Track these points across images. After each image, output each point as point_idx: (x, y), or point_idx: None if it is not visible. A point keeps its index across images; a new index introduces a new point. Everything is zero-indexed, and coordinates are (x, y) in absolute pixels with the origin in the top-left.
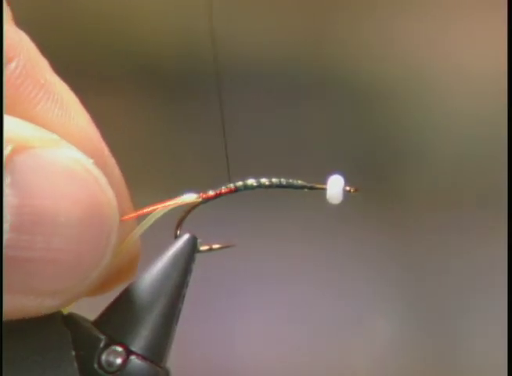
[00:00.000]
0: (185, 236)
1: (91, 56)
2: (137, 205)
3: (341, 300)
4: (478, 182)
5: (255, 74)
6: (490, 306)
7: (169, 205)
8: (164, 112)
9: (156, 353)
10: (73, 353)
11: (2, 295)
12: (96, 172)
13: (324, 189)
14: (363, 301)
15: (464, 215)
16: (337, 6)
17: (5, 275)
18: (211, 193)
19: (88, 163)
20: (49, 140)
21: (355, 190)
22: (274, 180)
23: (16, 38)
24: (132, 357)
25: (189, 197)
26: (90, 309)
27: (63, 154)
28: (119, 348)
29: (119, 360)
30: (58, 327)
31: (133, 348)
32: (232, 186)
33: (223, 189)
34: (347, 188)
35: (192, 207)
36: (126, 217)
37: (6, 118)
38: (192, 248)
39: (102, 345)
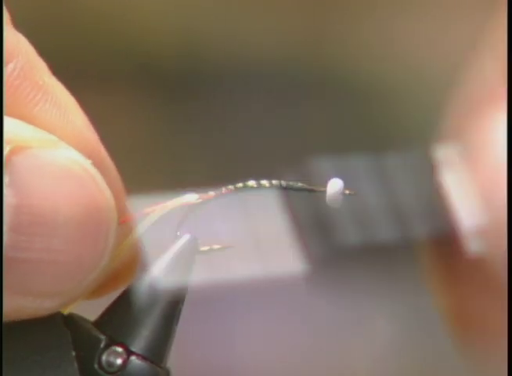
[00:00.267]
0: (186, 237)
1: (91, 56)
2: (137, 205)
3: (341, 300)
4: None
5: (255, 74)
6: None
7: (169, 206)
8: (164, 112)
9: (157, 354)
10: (74, 353)
11: (2, 296)
12: (94, 172)
13: (324, 192)
14: (363, 301)
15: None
16: (337, 6)
17: (4, 276)
18: (212, 193)
19: (86, 163)
20: (47, 141)
21: (355, 193)
22: (274, 182)
23: (14, 40)
24: (133, 357)
25: (189, 198)
26: (90, 309)
27: (61, 155)
28: (119, 349)
29: (119, 361)
30: (58, 327)
31: (133, 349)
32: (232, 187)
33: (223, 190)
34: (347, 191)
35: (192, 207)
36: (124, 219)
37: (5, 119)
38: (192, 249)
39: (102, 345)
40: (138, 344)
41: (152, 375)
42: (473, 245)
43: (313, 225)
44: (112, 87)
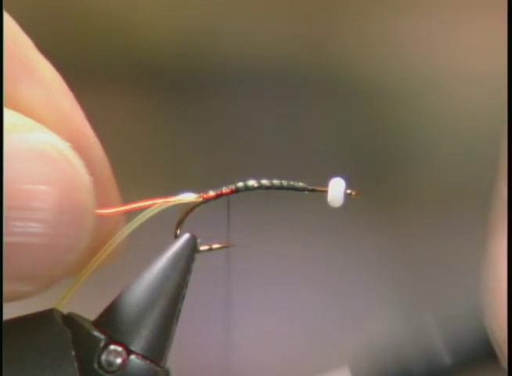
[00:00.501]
0: (185, 236)
1: (91, 56)
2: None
3: (341, 300)
4: (479, 182)
5: (256, 74)
6: None
7: (169, 202)
8: (164, 112)
9: (156, 353)
10: (74, 353)
11: (2, 296)
12: (72, 156)
13: (325, 192)
14: (363, 302)
15: (464, 215)
16: (338, 6)
17: None
18: (212, 193)
19: (64, 147)
20: (23, 124)
21: (357, 194)
22: (275, 182)
23: None
24: (132, 357)
25: (190, 197)
26: (90, 309)
27: (38, 138)
28: (119, 348)
29: (119, 360)
30: (58, 326)
31: (133, 348)
32: (232, 186)
33: (224, 190)
34: (349, 191)
35: (192, 207)
36: (122, 210)
37: None
38: (192, 248)
39: (102, 344)
40: (138, 343)
41: (151, 374)
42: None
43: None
44: (112, 87)
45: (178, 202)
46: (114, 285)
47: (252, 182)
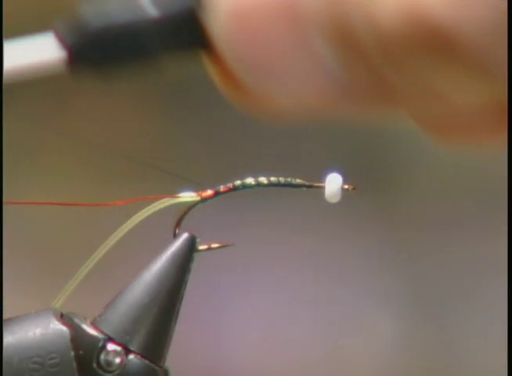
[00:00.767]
0: (184, 235)
1: None
2: (138, 204)
3: (341, 300)
4: (478, 181)
5: None
6: (490, 305)
7: (168, 201)
8: (164, 112)
9: (155, 352)
10: (72, 353)
11: (2, 294)
12: None
13: (323, 188)
14: (364, 301)
15: (464, 214)
16: None
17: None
18: (210, 191)
19: None
20: None
21: (354, 189)
22: (272, 179)
23: None
24: (131, 356)
25: (188, 196)
26: (89, 309)
27: None
28: (118, 348)
29: (118, 360)
30: (56, 326)
31: (132, 348)
32: (230, 184)
33: (222, 188)
34: (346, 186)
35: (190, 205)
36: (122, 201)
37: None
38: (190, 247)
39: (100, 344)
40: (137, 343)
41: (150, 374)
42: None
43: None
44: (112, 87)
45: (177, 201)
46: (113, 285)
47: (250, 180)
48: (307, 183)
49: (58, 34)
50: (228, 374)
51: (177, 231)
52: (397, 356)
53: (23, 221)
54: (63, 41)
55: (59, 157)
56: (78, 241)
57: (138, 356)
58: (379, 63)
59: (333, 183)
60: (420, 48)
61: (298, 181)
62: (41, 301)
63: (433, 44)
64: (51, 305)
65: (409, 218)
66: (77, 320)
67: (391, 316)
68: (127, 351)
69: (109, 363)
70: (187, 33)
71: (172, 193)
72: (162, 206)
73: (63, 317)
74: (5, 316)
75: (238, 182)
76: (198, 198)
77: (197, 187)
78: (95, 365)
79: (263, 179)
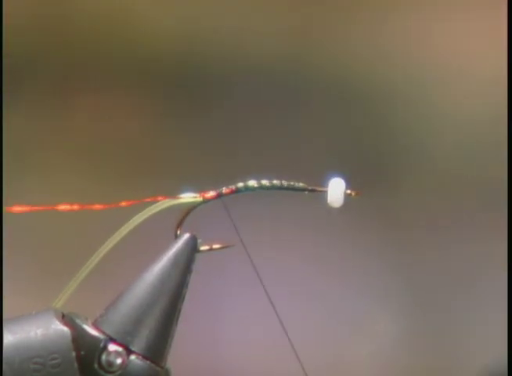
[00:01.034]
0: (186, 236)
1: (91, 56)
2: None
3: (342, 300)
4: (478, 181)
5: (255, 73)
6: (490, 305)
7: (169, 202)
8: (164, 112)
9: (157, 353)
10: (74, 354)
11: (2, 295)
12: None
13: (325, 192)
14: (364, 301)
15: (465, 214)
16: (339, 6)
17: None
18: (212, 193)
19: None
20: None
21: (356, 194)
22: (275, 182)
23: None
24: (132, 357)
25: (190, 197)
26: (90, 309)
27: None
28: (119, 348)
29: (119, 360)
30: (58, 326)
31: (133, 348)
32: (233, 186)
33: (224, 190)
34: (348, 191)
35: (192, 207)
36: (126, 203)
37: None
38: (192, 248)
39: (102, 345)
40: (138, 343)
41: (152, 374)
42: None
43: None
44: (112, 87)
45: (179, 202)
46: (114, 285)
47: (252, 183)
48: (309, 187)
49: None
50: (229, 374)
51: (178, 232)
52: (397, 355)
53: (23, 221)
54: None
55: (60, 157)
56: (79, 242)
57: (140, 357)
58: None
59: (336, 188)
60: None
61: (301, 184)
62: (41, 301)
63: None
64: (52, 305)
65: (409, 218)
66: (78, 321)
67: (391, 316)
68: (128, 351)
69: (110, 364)
70: None
71: (174, 194)
72: (164, 207)
73: (64, 318)
74: (5, 316)
75: (240, 185)
76: (200, 199)
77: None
78: (96, 365)
79: (265, 182)
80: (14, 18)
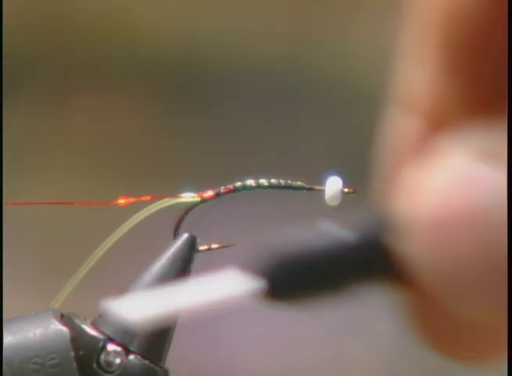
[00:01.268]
0: (184, 236)
1: (91, 56)
2: (138, 204)
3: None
4: None
5: (255, 74)
6: None
7: (169, 201)
8: (164, 112)
9: (155, 353)
10: (73, 353)
11: (2, 295)
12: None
13: (323, 191)
14: (364, 301)
15: None
16: (340, 6)
17: None
18: (210, 192)
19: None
20: None
21: (354, 192)
22: (273, 181)
23: None
24: (131, 357)
25: (188, 197)
26: (89, 309)
27: None
28: (118, 348)
29: (118, 360)
30: (56, 326)
31: (132, 348)
32: (231, 186)
33: (222, 189)
34: (346, 189)
35: (191, 206)
36: (125, 202)
37: None
38: (191, 248)
39: (100, 344)
40: (137, 343)
41: (151, 375)
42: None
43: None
44: (112, 87)
45: (177, 201)
46: (113, 285)
47: (250, 182)
48: (307, 186)
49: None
50: (228, 374)
51: (177, 232)
52: (397, 355)
53: (23, 221)
54: (260, 271)
55: (60, 157)
56: (78, 241)
57: (139, 357)
58: None
59: (333, 186)
60: None
61: (298, 183)
62: (40, 301)
63: None
64: (51, 305)
65: None
66: (77, 321)
67: (391, 315)
68: (127, 351)
69: (109, 364)
70: (375, 260)
71: (173, 193)
72: (162, 206)
73: (63, 318)
74: (5, 316)
75: (238, 184)
76: (198, 199)
77: (198, 188)
78: (95, 365)
79: (263, 181)
80: (14, 18)
